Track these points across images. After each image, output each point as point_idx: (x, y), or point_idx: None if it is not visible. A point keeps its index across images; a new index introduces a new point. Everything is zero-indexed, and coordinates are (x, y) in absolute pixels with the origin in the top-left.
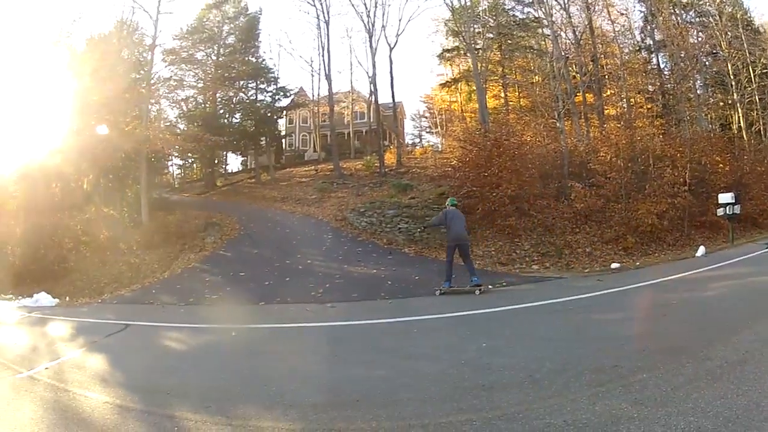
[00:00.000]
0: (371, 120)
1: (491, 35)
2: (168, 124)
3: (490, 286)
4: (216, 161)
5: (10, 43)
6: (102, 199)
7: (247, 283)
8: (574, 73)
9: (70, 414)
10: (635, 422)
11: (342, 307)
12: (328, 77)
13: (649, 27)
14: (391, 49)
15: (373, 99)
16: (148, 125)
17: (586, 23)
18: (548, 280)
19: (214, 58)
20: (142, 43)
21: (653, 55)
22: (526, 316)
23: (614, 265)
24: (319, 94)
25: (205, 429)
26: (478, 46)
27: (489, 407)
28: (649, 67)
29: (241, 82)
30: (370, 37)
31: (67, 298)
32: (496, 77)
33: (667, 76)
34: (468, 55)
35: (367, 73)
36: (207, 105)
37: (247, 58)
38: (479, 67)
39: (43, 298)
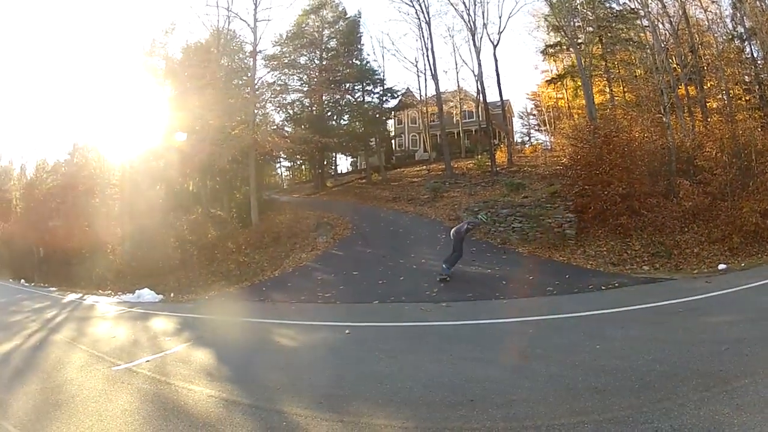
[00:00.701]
0: (480, 119)
1: (591, 29)
2: (275, 127)
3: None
4: (325, 162)
5: (105, 54)
6: (209, 200)
7: (361, 282)
8: (674, 65)
9: (170, 406)
10: (734, 428)
11: (457, 307)
12: (434, 77)
13: (738, 14)
14: (494, 47)
15: (481, 98)
16: (255, 129)
17: (681, 12)
18: (659, 281)
19: (317, 62)
20: (242, 50)
21: (746, 44)
22: (638, 318)
23: (721, 266)
24: (426, 94)
25: (315, 425)
26: (579, 41)
27: (600, 410)
28: (744, 56)
29: (347, 85)
30: (473, 36)
31: (172, 295)
32: (599, 72)
33: (761, 65)
34: (571, 50)
35: (473, 71)
36: (314, 108)
37: (351, 61)
38: (583, 62)
39: (146, 294)
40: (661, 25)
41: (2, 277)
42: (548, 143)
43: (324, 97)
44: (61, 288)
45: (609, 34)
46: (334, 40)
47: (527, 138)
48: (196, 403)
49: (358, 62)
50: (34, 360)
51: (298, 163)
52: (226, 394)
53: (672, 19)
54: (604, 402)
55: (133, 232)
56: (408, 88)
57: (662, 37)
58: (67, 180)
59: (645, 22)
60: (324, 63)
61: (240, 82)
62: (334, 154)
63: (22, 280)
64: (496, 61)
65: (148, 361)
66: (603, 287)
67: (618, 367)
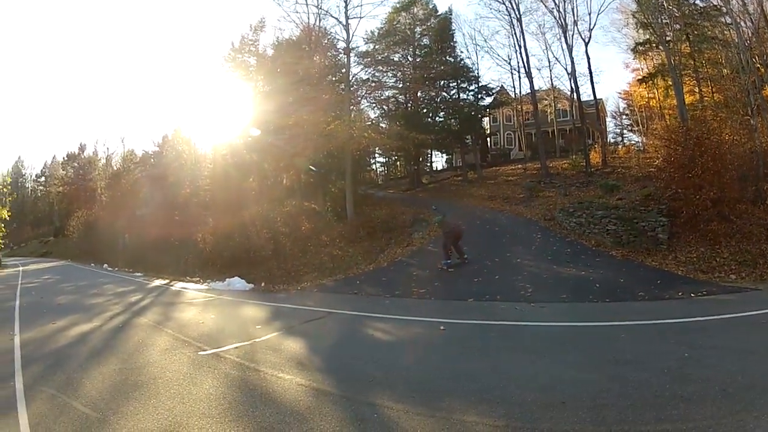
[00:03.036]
0: (574, 118)
1: (678, 26)
2: (369, 123)
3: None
4: (420, 159)
5: (195, 49)
6: (304, 193)
7: (456, 279)
8: (757, 65)
9: (257, 392)
10: None
11: (551, 308)
12: (528, 75)
13: None
14: (586, 44)
15: (575, 96)
16: (351, 124)
17: (759, 11)
18: (744, 290)
19: (411, 59)
20: (334, 47)
21: None
22: (724, 327)
23: None
24: (520, 92)
25: (406, 419)
26: (668, 38)
27: (684, 418)
28: None
29: (442, 82)
30: (564, 33)
31: (263, 284)
32: (688, 71)
33: None
34: (660, 47)
35: (566, 69)
36: (409, 104)
37: (444, 59)
38: (673, 61)
39: (236, 282)
40: (743, 23)
41: (84, 262)
42: (641, 144)
43: (419, 94)
44: (147, 274)
45: (695, 32)
46: (427, 37)
47: (620, 138)
48: (285, 391)
49: (451, 59)
50: (114, 341)
51: (393, 159)
52: (316, 383)
53: (752, 17)
54: (688, 410)
55: (225, 222)
56: (502, 85)
57: (745, 36)
58: (157, 171)
59: (728, 20)
60: (417, 60)
61: (334, 79)
62: (429, 151)
63: (105, 265)
64: (588, 59)
65: (236, 347)
66: (692, 294)
67: (703, 376)
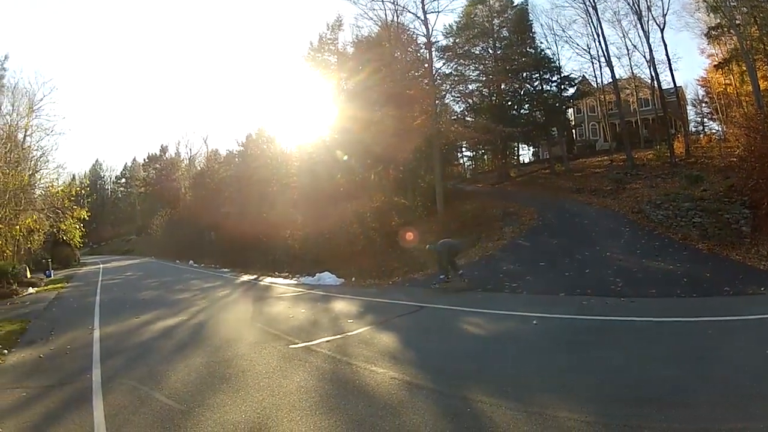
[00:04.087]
0: (656, 107)
1: (745, 9)
2: (455, 117)
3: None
4: (507, 152)
5: (274, 50)
6: (392, 189)
7: (547, 273)
8: None
9: (350, 386)
10: None
11: (639, 303)
12: (608, 64)
13: None
14: (661, 30)
15: (656, 84)
16: (437, 119)
17: None
18: None
19: (492, 51)
20: (414, 42)
21: None
22: None
23: None
24: (602, 82)
25: (499, 413)
26: (737, 21)
27: (766, 417)
28: None
29: (525, 74)
30: (639, 19)
31: (353, 279)
32: (760, 55)
33: None
34: (731, 32)
35: (644, 56)
36: (494, 97)
37: (525, 50)
38: (744, 45)
39: (327, 277)
40: None
41: (168, 259)
42: (721, 133)
43: (502, 87)
44: (234, 270)
45: (761, 15)
46: (505, 29)
47: (701, 127)
48: (377, 384)
49: (532, 50)
50: (201, 335)
51: (481, 153)
52: (409, 377)
53: None
54: None
55: (313, 219)
56: (584, 75)
57: None
58: (242, 169)
59: None
60: (498, 53)
61: (417, 74)
62: (516, 144)
63: (191, 262)
64: (665, 45)
65: (328, 341)
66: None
67: None
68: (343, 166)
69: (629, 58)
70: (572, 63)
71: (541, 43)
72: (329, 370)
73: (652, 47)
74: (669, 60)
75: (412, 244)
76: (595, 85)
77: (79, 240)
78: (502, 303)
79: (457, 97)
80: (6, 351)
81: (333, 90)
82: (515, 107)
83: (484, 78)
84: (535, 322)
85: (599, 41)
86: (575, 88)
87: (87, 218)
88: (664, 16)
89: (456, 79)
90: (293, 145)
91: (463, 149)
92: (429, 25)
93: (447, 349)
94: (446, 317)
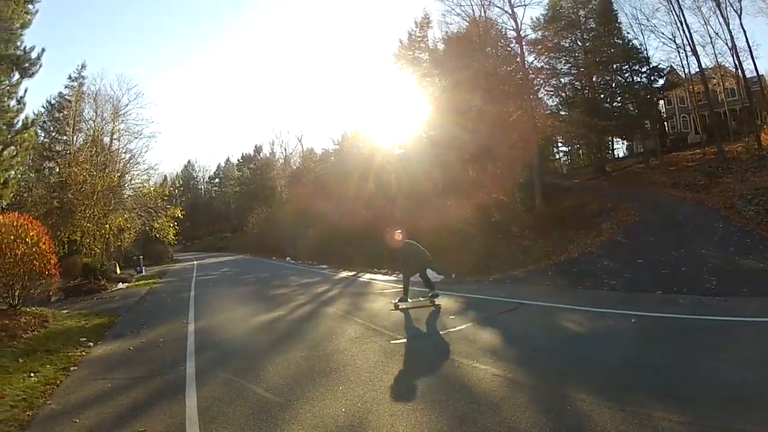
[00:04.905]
0: (742, 96)
1: None
2: (548, 112)
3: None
4: (602, 147)
5: (367, 49)
6: (490, 185)
7: (644, 271)
8: None
9: (452, 381)
10: None
11: (733, 302)
12: (694, 53)
13: None
14: (739, 16)
15: (740, 73)
16: (533, 113)
17: None
18: None
19: (580, 44)
20: (503, 37)
21: None
22: None
23: None
24: (689, 72)
25: (597, 412)
26: None
27: None
28: None
29: (614, 65)
30: (718, 5)
31: (453, 275)
32: None
33: None
34: None
35: (726, 44)
36: (587, 90)
37: (612, 41)
38: None
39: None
40: None
41: (265, 256)
42: None
43: (594, 79)
44: (332, 266)
45: None
46: (591, 19)
47: None
48: (479, 380)
49: (619, 41)
50: (300, 330)
51: (576, 147)
52: (511, 374)
53: None
54: None
55: (412, 215)
56: (671, 66)
57: None
58: (339, 167)
59: None
60: (587, 44)
61: (509, 69)
62: (610, 138)
63: (288, 258)
64: (744, 32)
65: (430, 337)
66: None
67: None
68: (440, 162)
69: (713, 47)
70: (659, 53)
71: (628, 33)
72: (431, 366)
73: (732, 34)
74: (750, 47)
75: (510, 240)
76: (683, 76)
77: (173, 237)
78: (600, 300)
79: (551, 91)
80: (92, 343)
81: (426, 87)
82: (608, 100)
83: (575, 71)
84: (633, 320)
85: (683, 29)
86: (664, 78)
87: (181, 216)
88: (740, 1)
89: (548, 72)
90: (389, 142)
91: (559, 144)
92: (518, 19)
93: (546, 346)
94: (546, 314)
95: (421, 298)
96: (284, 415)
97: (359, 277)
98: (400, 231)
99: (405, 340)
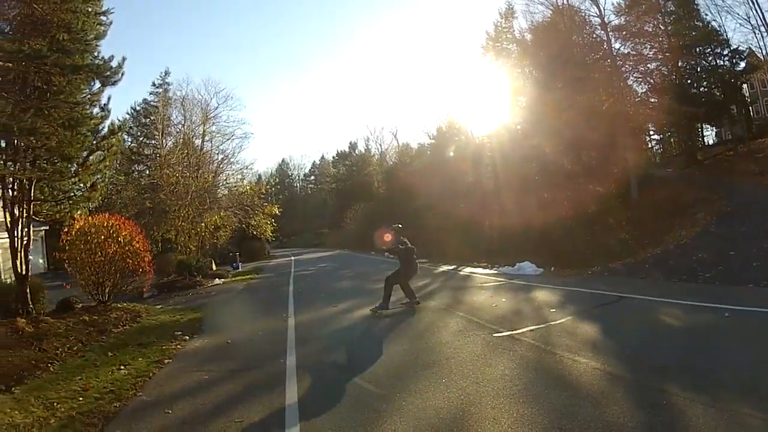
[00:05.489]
0: None
1: None
2: (638, 99)
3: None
4: (692, 134)
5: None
6: (585, 176)
7: (737, 263)
8: None
9: (553, 375)
10: None
11: None
12: None
13: None
14: None
15: None
16: (624, 101)
17: None
18: None
19: (663, 28)
20: (588, 24)
21: None
22: None
23: None
24: (766, 53)
25: (691, 407)
26: None
27: None
28: None
29: (697, 49)
30: None
31: (552, 269)
32: None
33: None
34: None
35: None
36: (674, 76)
37: (692, 23)
38: None
39: (527, 267)
40: None
41: (362, 251)
42: None
43: (678, 64)
44: (431, 260)
45: None
46: (670, 2)
47: None
48: (579, 374)
49: (699, 23)
50: (402, 323)
51: (667, 135)
52: (610, 368)
53: None
54: None
55: (510, 208)
56: (750, 48)
57: None
58: (434, 162)
59: None
60: (669, 28)
61: (597, 56)
62: (699, 125)
63: (386, 253)
64: None
65: (531, 330)
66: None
67: None
68: (535, 153)
69: None
70: (737, 34)
71: (706, 14)
72: (533, 359)
73: None
74: None
75: (607, 232)
76: (761, 57)
77: (271, 234)
78: (695, 293)
79: (639, 77)
80: (187, 337)
81: (517, 78)
82: (694, 85)
83: (660, 56)
84: (726, 314)
85: (756, 8)
86: (744, 61)
87: (278, 214)
88: None
89: (635, 58)
90: (483, 134)
91: (651, 132)
92: (600, 5)
93: (644, 340)
94: (644, 308)
95: (399, 304)
96: (386, 407)
97: (459, 270)
98: (395, 228)
99: (507, 333)
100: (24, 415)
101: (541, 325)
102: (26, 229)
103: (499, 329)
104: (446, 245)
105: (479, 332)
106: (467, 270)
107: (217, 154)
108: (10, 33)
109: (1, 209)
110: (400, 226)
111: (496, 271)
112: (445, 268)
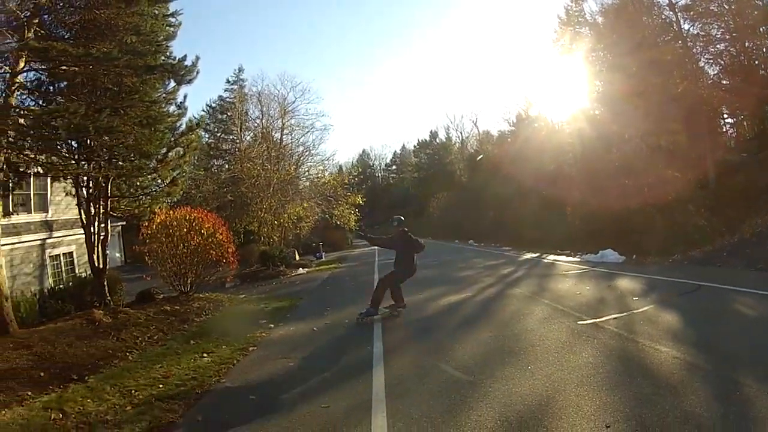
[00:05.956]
0: None
1: None
2: (711, 81)
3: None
4: (764, 117)
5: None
6: (664, 161)
7: None
8: None
9: (635, 364)
10: None
11: None
12: None
13: None
14: None
15: None
16: (697, 84)
17: None
18: None
19: (726, 7)
20: (656, 5)
21: None
22: None
23: None
24: None
25: (764, 399)
26: None
27: None
28: None
29: (761, 29)
30: None
31: (634, 256)
32: None
33: None
34: None
35: None
36: (743, 57)
37: (753, 2)
38: None
39: (609, 255)
40: None
41: (446, 239)
42: None
43: (746, 45)
44: (515, 248)
45: None
46: None
47: None
48: (660, 363)
49: (760, 2)
50: (488, 311)
51: (741, 119)
52: (690, 357)
53: None
54: None
55: (590, 194)
56: None
57: None
58: (514, 149)
59: None
60: (732, 7)
61: (667, 38)
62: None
63: (471, 241)
64: None
65: (614, 318)
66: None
67: None
68: (613, 139)
69: None
70: None
71: None
72: (616, 348)
73: None
74: None
75: (686, 219)
76: None
77: (355, 224)
78: None
79: (710, 59)
80: (272, 325)
81: (592, 62)
82: (762, 66)
83: (728, 36)
84: None
85: None
86: None
87: (362, 204)
88: None
89: (704, 39)
90: (561, 120)
91: (725, 116)
92: None
93: (723, 330)
94: (724, 297)
95: (384, 309)
96: (473, 392)
97: (543, 258)
98: (396, 220)
99: (591, 321)
100: (97, 403)
101: (624, 314)
102: (103, 225)
103: (583, 317)
104: (529, 232)
105: (564, 320)
106: (551, 258)
107: (298, 146)
108: (71, 39)
109: (77, 207)
110: (402, 218)
111: (579, 259)
112: (528, 255)
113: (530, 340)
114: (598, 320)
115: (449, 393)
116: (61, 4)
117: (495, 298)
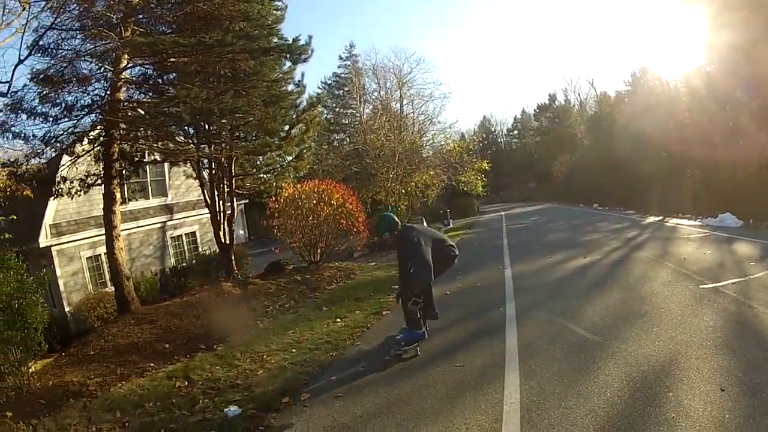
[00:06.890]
0: None
1: None
2: None
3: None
4: None
5: None
6: None
7: None
8: None
9: (749, 329)
10: None
11: None
12: None
13: None
14: None
15: None
16: None
17: None
18: None
19: None
20: None
21: None
22: None
23: None
24: None
25: None
26: None
27: None
28: None
29: None
30: None
31: (751, 221)
32: None
33: None
34: None
35: None
36: None
37: None
38: None
39: (728, 219)
40: None
41: (571, 203)
42: None
43: None
44: (639, 212)
45: None
46: None
47: None
48: None
49: None
50: (614, 274)
51: None
52: None
53: None
54: None
55: (711, 156)
56: None
57: None
58: (632, 109)
59: None
60: None
61: None
62: None
63: (596, 205)
64: None
65: (733, 282)
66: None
67: None
68: (730, 99)
69: None
70: None
71: None
72: (734, 312)
73: None
74: None
75: None
76: None
77: (482, 190)
78: None
79: None
80: None
81: (704, 19)
82: None
83: None
84: None
85: None
86: None
87: (488, 169)
88: None
89: None
90: (676, 78)
91: None
92: None
93: None
94: None
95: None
96: (601, 353)
97: (665, 221)
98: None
99: (711, 285)
100: (227, 370)
101: (742, 279)
102: (228, 204)
103: (704, 281)
104: (651, 196)
105: (687, 283)
106: (673, 221)
107: (419, 115)
108: (172, 33)
109: (199, 188)
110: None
111: (699, 223)
112: (651, 219)
113: (655, 303)
114: (717, 284)
115: (579, 353)
116: (156, 2)
117: (621, 261)
